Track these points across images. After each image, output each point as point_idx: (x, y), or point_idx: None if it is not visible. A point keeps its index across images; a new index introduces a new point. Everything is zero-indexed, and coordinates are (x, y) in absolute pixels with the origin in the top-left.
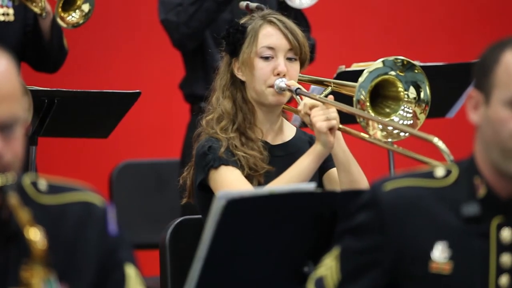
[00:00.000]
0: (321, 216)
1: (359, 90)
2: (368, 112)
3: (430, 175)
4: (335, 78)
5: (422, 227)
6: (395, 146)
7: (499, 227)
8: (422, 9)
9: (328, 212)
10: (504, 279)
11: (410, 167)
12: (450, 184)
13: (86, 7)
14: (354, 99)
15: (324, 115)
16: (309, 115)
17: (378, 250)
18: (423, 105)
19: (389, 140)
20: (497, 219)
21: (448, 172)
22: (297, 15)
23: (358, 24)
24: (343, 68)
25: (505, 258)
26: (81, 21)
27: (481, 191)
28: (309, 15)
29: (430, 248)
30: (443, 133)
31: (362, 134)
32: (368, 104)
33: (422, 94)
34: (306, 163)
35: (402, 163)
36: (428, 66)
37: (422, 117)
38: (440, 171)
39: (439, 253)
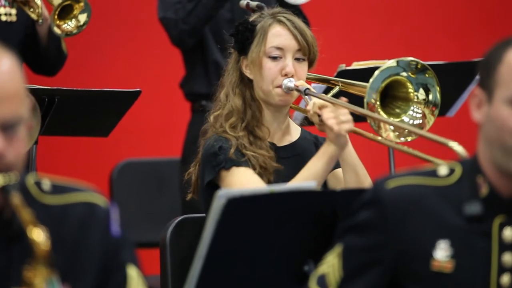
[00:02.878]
0: (321, 215)
1: (370, 90)
2: (379, 113)
3: (433, 173)
4: (336, 77)
5: (424, 226)
6: (405, 147)
7: (501, 226)
8: (423, 8)
9: (328, 211)
10: (505, 278)
11: (411, 166)
12: (453, 183)
13: (82, 18)
14: (365, 100)
15: (339, 117)
16: (318, 115)
17: (380, 247)
18: (431, 106)
19: (402, 139)
20: (499, 218)
21: (451, 171)
22: (295, 12)
23: (359, 22)
24: (343, 67)
25: (507, 257)
26: (74, 31)
27: (484, 190)
28: (309, 13)
29: (432, 246)
30: (443, 132)
31: (375, 136)
32: (378, 104)
33: (431, 96)
34: (320, 165)
35: (403, 162)
36: (428, 64)
37: (431, 118)
38: (443, 170)
39: (441, 252)
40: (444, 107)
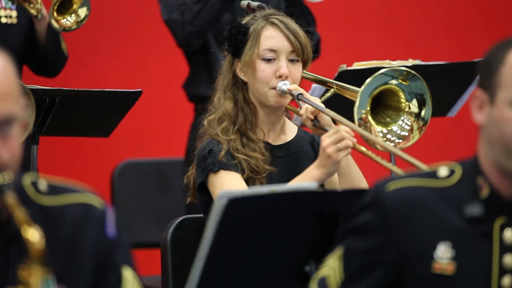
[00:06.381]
0: (322, 215)
1: (359, 107)
2: (370, 122)
3: (433, 175)
4: (336, 77)
5: (425, 227)
6: (391, 164)
7: (502, 228)
8: (424, 8)
9: (329, 211)
10: (506, 280)
11: (412, 168)
12: (453, 184)
13: (82, 12)
14: (355, 111)
15: (337, 145)
16: (311, 119)
17: (381, 250)
18: (421, 123)
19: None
20: (500, 220)
21: (452, 172)
22: (303, 10)
23: (360, 23)
24: (344, 67)
25: (508, 259)
26: (73, 27)
27: (484, 191)
28: None
29: (433, 248)
30: (444, 133)
31: (369, 152)
32: (368, 109)
33: (423, 112)
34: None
35: (403, 164)
36: (429, 65)
37: (417, 134)
38: (443, 171)
39: (442, 254)
40: (445, 107)
